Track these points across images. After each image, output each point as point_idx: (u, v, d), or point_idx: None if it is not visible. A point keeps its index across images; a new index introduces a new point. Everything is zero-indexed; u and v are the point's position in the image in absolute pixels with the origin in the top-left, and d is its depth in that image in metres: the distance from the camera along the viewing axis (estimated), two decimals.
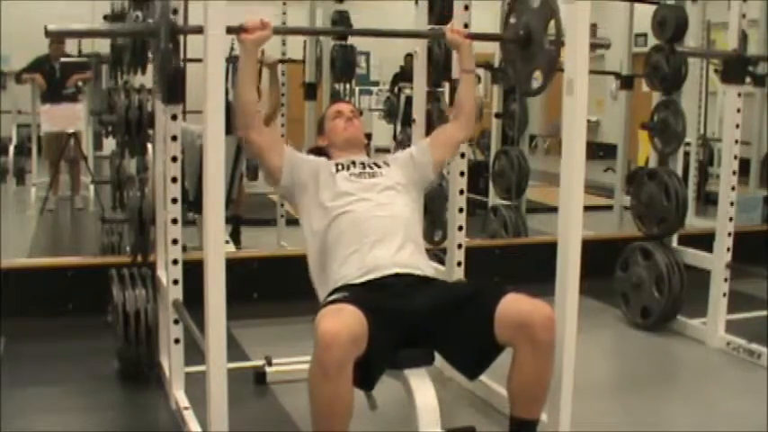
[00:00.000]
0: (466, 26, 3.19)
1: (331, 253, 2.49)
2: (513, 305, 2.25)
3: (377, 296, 2.30)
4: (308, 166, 2.64)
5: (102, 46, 6.04)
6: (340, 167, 2.63)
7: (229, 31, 2.28)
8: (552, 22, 2.46)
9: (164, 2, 2.46)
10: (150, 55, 3.10)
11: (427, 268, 2.54)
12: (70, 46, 7.56)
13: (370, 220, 2.49)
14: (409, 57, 9.10)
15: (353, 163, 2.66)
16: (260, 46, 2.50)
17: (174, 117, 2.83)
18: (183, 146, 2.93)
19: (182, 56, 2.90)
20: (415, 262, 2.49)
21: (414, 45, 3.29)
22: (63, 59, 6.99)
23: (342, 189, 2.56)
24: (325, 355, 2.01)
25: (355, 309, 2.12)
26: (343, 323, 2.06)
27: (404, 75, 8.57)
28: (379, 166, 2.69)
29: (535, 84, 2.68)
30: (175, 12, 2.83)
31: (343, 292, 2.34)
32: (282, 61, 5.72)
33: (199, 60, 2.11)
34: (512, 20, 2.70)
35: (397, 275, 2.41)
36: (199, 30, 2.13)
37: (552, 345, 2.25)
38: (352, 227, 2.48)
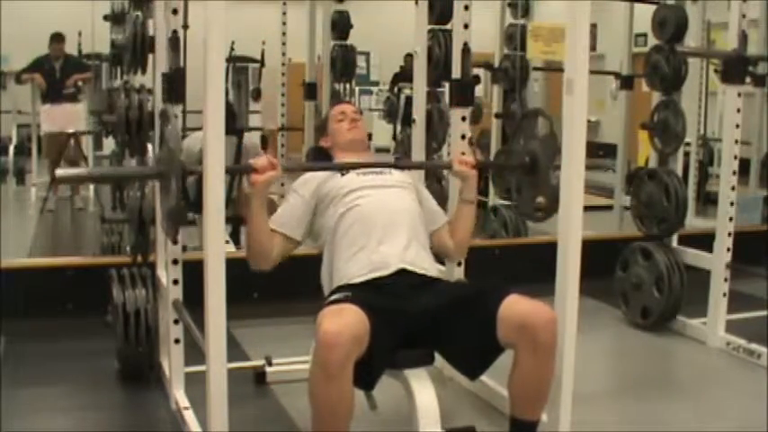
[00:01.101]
0: (466, 26, 3.20)
1: (338, 249, 2.49)
2: (515, 306, 2.25)
3: (379, 296, 2.30)
4: (308, 194, 2.60)
5: (103, 46, 6.06)
6: (345, 171, 2.63)
7: (234, 171, 2.25)
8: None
9: (173, 144, 2.37)
10: (150, 55, 3.11)
11: (431, 268, 2.54)
12: (70, 46, 7.57)
13: (377, 215, 2.49)
14: (409, 57, 9.10)
15: None
16: (270, 186, 2.42)
17: (175, 117, 2.83)
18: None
19: (182, 56, 2.90)
20: (421, 261, 2.49)
21: (414, 45, 3.30)
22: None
23: (350, 187, 2.56)
24: (327, 354, 2.01)
25: (357, 308, 2.13)
26: (345, 323, 2.06)
27: (404, 75, 8.56)
28: (386, 167, 2.70)
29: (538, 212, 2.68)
30: (175, 12, 2.83)
31: (346, 291, 2.34)
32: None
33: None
34: (517, 144, 2.70)
35: (402, 273, 2.41)
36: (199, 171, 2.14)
37: (554, 346, 2.25)
38: (360, 223, 2.48)
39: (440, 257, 3.22)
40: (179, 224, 2.43)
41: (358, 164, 2.64)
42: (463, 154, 2.87)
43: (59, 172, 2.29)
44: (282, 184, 3.65)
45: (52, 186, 6.98)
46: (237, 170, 2.34)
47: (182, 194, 2.31)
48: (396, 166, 2.80)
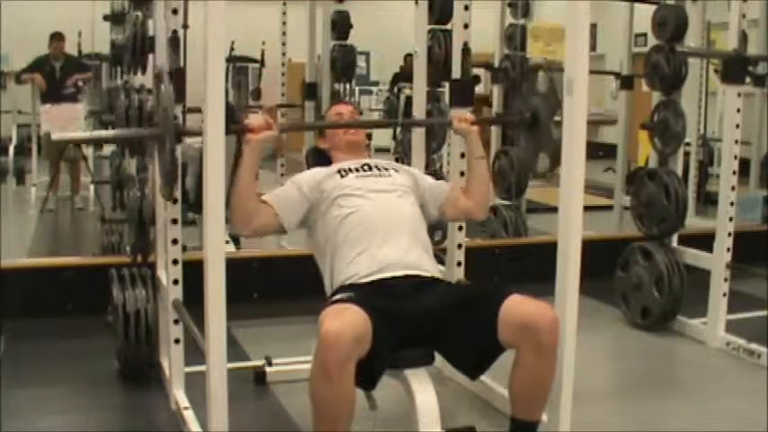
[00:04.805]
0: (466, 26, 3.20)
1: (339, 251, 2.49)
2: (517, 307, 2.25)
3: (381, 296, 2.30)
4: (306, 188, 2.59)
5: (103, 46, 6.06)
6: (344, 173, 2.63)
7: (232, 131, 2.27)
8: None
9: (165, 111, 2.38)
10: (150, 56, 3.11)
11: (433, 269, 2.55)
12: (70, 46, 7.57)
13: (378, 218, 2.49)
14: (409, 57, 9.10)
15: (361, 166, 2.66)
16: (265, 145, 2.44)
17: (175, 117, 2.83)
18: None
19: (182, 56, 2.90)
20: (423, 264, 2.50)
21: (414, 45, 3.30)
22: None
23: (349, 190, 2.56)
24: (328, 354, 2.01)
25: (359, 309, 2.13)
26: (347, 323, 2.06)
27: (404, 75, 8.56)
28: (386, 169, 2.70)
29: (543, 164, 2.67)
30: (175, 12, 2.83)
31: (348, 291, 2.34)
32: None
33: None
34: (516, 98, 2.69)
35: (404, 277, 2.41)
36: (198, 132, 2.16)
37: (555, 347, 2.25)
38: (361, 225, 2.48)
39: (439, 257, 3.22)
40: (174, 185, 2.43)
41: (356, 124, 2.61)
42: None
43: (55, 135, 2.30)
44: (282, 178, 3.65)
45: (52, 184, 6.98)
46: (233, 131, 2.32)
47: (175, 154, 2.32)
48: (397, 124, 2.80)
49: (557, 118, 2.45)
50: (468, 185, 2.78)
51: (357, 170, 2.64)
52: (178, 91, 2.77)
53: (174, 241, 2.82)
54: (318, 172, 2.66)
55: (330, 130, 2.80)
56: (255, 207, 2.49)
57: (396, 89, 8.49)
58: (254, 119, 2.37)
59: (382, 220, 2.49)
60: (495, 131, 5.88)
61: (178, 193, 2.81)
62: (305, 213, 2.58)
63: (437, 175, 4.26)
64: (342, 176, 2.61)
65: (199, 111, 2.13)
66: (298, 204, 2.57)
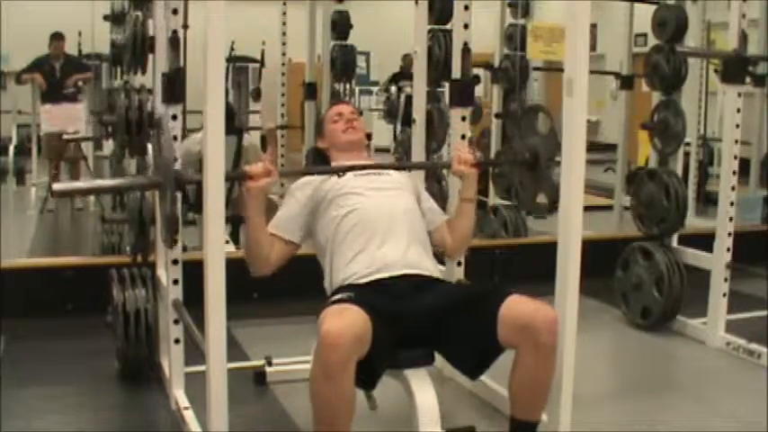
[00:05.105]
0: (466, 26, 3.20)
1: (338, 251, 2.49)
2: (517, 307, 2.25)
3: (381, 296, 2.30)
4: (306, 196, 2.59)
5: (103, 46, 6.06)
6: (342, 173, 2.63)
7: (231, 178, 2.31)
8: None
9: (165, 160, 2.37)
10: (150, 55, 3.11)
11: (433, 269, 2.55)
12: (70, 46, 7.57)
13: (377, 216, 2.49)
14: (408, 56, 9.12)
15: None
16: (266, 193, 2.41)
17: (174, 117, 2.83)
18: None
19: (182, 56, 2.90)
20: (422, 263, 2.50)
21: (414, 45, 3.30)
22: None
23: (347, 189, 2.56)
24: (329, 354, 2.01)
25: (359, 309, 2.13)
26: (347, 323, 2.06)
27: (403, 74, 8.56)
28: (386, 168, 2.70)
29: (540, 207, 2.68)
30: (175, 12, 2.83)
31: (348, 291, 2.34)
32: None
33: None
34: (518, 140, 2.70)
35: (403, 276, 2.41)
36: (198, 181, 2.17)
37: (555, 347, 2.25)
38: (360, 224, 2.48)
39: (439, 257, 3.22)
40: (175, 232, 2.44)
41: (356, 166, 2.63)
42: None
43: (56, 186, 2.31)
44: (282, 184, 3.65)
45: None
46: (232, 177, 2.33)
47: (176, 203, 2.32)
48: (394, 168, 2.79)
49: (557, 158, 2.46)
50: (453, 224, 2.78)
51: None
52: (178, 91, 2.77)
53: (172, 246, 2.81)
54: (315, 180, 2.65)
55: (329, 132, 2.79)
56: (271, 249, 2.51)
57: (394, 87, 8.51)
58: (254, 167, 2.35)
59: (381, 219, 2.49)
60: (495, 132, 5.89)
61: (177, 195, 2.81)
62: (306, 217, 2.59)
63: (436, 175, 4.27)
64: (339, 176, 2.61)
65: (199, 111, 2.13)
66: (299, 216, 2.58)
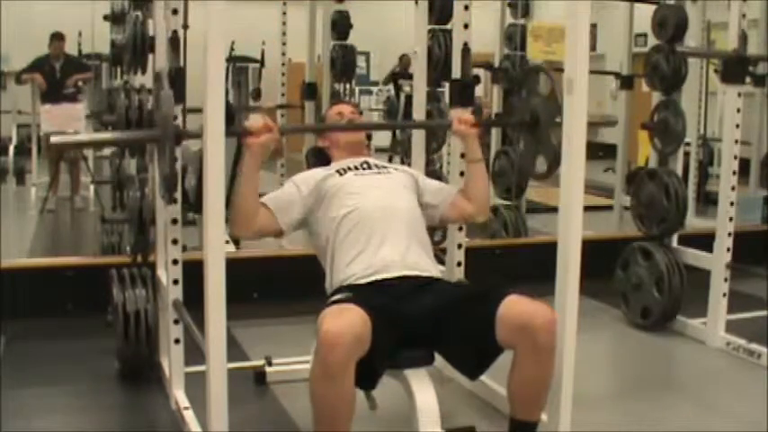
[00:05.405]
0: (466, 26, 3.20)
1: (337, 251, 2.49)
2: (515, 307, 2.25)
3: (381, 296, 2.30)
4: (305, 190, 2.58)
5: (103, 46, 6.06)
6: (343, 171, 2.63)
7: (232, 134, 2.25)
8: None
9: (164, 114, 2.36)
10: (150, 56, 3.11)
11: (433, 268, 2.55)
12: (70, 46, 7.57)
13: (377, 216, 2.49)
14: (404, 56, 9.17)
15: (360, 164, 2.67)
16: (267, 150, 2.40)
17: (175, 118, 2.83)
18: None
19: (182, 56, 2.90)
20: (422, 263, 2.49)
21: (414, 45, 3.30)
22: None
23: (348, 189, 2.56)
24: (329, 355, 2.01)
25: (358, 309, 2.12)
26: (347, 323, 2.06)
27: (400, 73, 8.56)
28: (385, 167, 2.71)
29: (541, 167, 2.66)
30: (175, 12, 2.83)
31: (347, 291, 2.34)
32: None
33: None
34: (517, 100, 2.69)
35: (403, 278, 2.41)
36: (198, 135, 2.15)
37: (553, 348, 2.25)
38: (360, 224, 2.48)
39: (440, 257, 3.22)
40: (174, 189, 2.43)
41: (356, 126, 2.60)
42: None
43: (54, 138, 2.29)
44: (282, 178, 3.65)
45: (52, 184, 6.98)
46: (233, 133, 2.30)
47: (174, 159, 2.31)
48: (395, 127, 2.81)
49: (557, 120, 2.44)
50: (467, 188, 2.76)
51: (356, 168, 2.65)
52: (178, 91, 2.77)
53: (174, 241, 2.82)
54: (317, 172, 2.66)
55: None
56: (256, 210, 2.48)
57: (394, 84, 8.51)
58: (255, 121, 2.34)
59: (381, 219, 2.49)
60: (495, 132, 5.89)
61: (178, 194, 2.81)
62: (303, 214, 2.58)
63: (436, 174, 4.27)
64: (340, 175, 2.61)
65: (199, 111, 2.12)
66: (296, 205, 2.57)
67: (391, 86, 8.84)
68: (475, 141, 2.71)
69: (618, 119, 5.62)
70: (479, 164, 2.73)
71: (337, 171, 2.63)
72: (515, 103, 2.71)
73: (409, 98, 6.63)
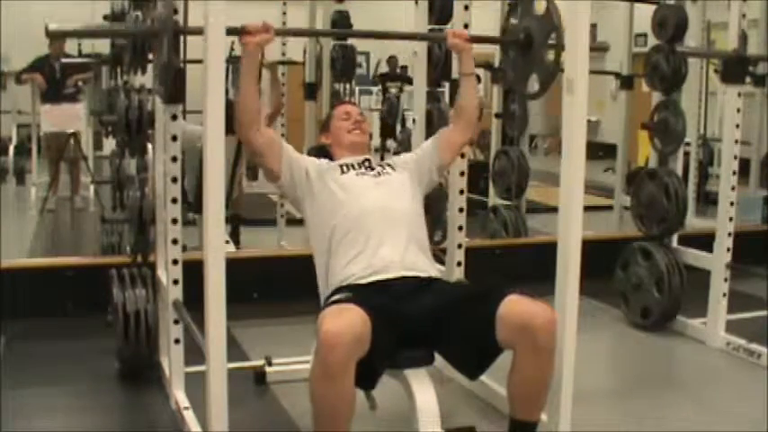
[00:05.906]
0: (466, 26, 3.20)
1: (336, 251, 2.49)
2: (515, 307, 2.25)
3: (380, 297, 2.30)
4: (310, 167, 2.63)
5: (103, 46, 6.06)
6: (345, 169, 2.64)
7: (231, 32, 2.28)
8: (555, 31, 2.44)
9: (166, 2, 2.44)
10: (151, 56, 3.11)
11: (431, 269, 2.55)
12: (70, 46, 7.56)
13: (377, 216, 2.49)
14: (392, 58, 9.21)
15: (362, 163, 2.67)
16: (262, 48, 2.50)
17: (174, 117, 2.84)
18: (182, 146, 2.94)
19: (182, 56, 2.90)
20: (421, 264, 2.50)
21: (413, 45, 3.29)
22: (64, 60, 6.98)
23: (348, 188, 2.56)
24: (329, 355, 2.01)
25: (358, 309, 2.12)
26: (347, 323, 2.06)
27: (390, 75, 8.56)
28: (386, 167, 2.70)
29: (533, 87, 2.68)
30: (175, 11, 2.83)
31: (347, 291, 2.34)
32: (282, 63, 5.73)
33: (199, 61, 2.11)
34: (512, 21, 2.70)
35: (402, 278, 2.41)
36: (201, 31, 2.13)
37: (553, 348, 2.24)
38: (358, 225, 2.48)
39: (439, 257, 3.22)
40: (171, 84, 2.48)
41: (356, 33, 2.61)
42: None
43: (52, 26, 2.32)
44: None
45: (52, 184, 6.98)
46: (232, 31, 2.32)
47: (173, 52, 2.35)
48: (387, 36, 2.86)
49: (551, 41, 2.46)
50: (457, 104, 2.86)
51: (358, 166, 2.65)
52: (178, 91, 2.77)
53: (174, 241, 2.82)
54: (324, 162, 2.69)
55: (335, 128, 2.80)
56: (257, 111, 2.57)
57: (382, 87, 8.49)
58: (252, 23, 2.43)
59: (380, 220, 2.49)
60: (494, 132, 5.89)
61: (178, 194, 2.82)
62: (297, 181, 2.61)
63: None
64: (342, 172, 2.62)
65: (199, 111, 2.13)
66: (298, 171, 2.61)
67: (380, 87, 8.83)
68: (469, 54, 2.80)
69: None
70: (471, 77, 2.83)
71: (340, 167, 2.64)
72: (510, 22, 2.73)
73: (397, 99, 6.70)
